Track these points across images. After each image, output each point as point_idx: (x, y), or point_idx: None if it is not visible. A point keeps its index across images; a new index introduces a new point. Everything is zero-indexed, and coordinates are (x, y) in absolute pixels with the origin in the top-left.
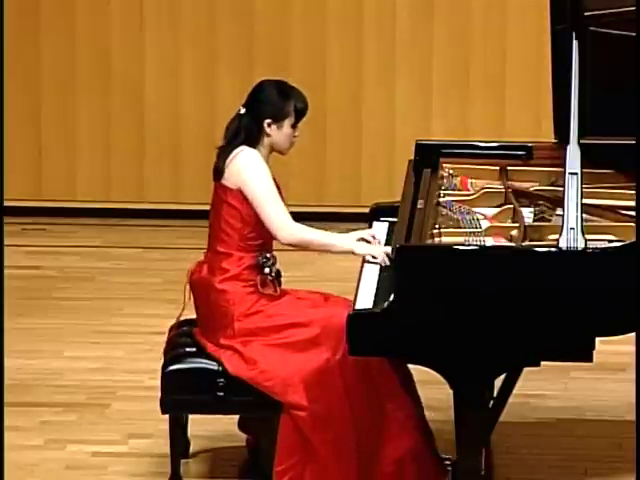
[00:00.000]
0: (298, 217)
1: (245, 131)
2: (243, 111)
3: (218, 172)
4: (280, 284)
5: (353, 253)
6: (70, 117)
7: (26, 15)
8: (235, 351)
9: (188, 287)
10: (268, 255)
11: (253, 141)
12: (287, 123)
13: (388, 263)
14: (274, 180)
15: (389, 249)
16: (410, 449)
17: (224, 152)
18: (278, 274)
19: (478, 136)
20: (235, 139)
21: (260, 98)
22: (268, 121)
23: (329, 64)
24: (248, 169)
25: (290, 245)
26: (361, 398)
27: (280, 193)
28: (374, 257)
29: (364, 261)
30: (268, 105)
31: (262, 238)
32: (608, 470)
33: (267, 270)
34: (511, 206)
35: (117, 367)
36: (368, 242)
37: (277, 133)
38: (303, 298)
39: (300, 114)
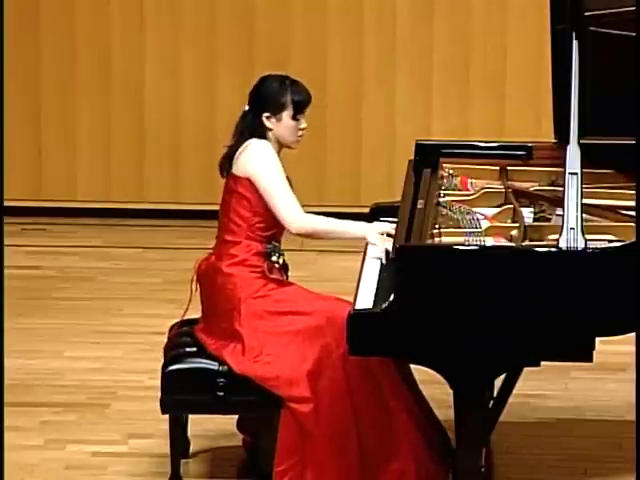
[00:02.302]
0: None
1: (248, 127)
2: (247, 108)
3: (222, 168)
4: (288, 278)
5: (366, 239)
6: (70, 117)
7: (26, 15)
8: (237, 342)
9: (195, 281)
10: (276, 244)
11: (259, 136)
12: (286, 115)
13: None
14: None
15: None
16: (412, 450)
17: (231, 150)
18: (285, 266)
19: (478, 135)
20: (241, 137)
21: (258, 93)
22: (266, 114)
23: (329, 62)
24: (258, 159)
25: (301, 235)
26: (363, 395)
27: (291, 186)
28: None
29: (364, 261)
30: (265, 98)
31: (272, 229)
32: (608, 470)
33: (274, 258)
34: (511, 206)
35: (117, 367)
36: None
37: (277, 126)
38: (310, 291)
39: (298, 105)
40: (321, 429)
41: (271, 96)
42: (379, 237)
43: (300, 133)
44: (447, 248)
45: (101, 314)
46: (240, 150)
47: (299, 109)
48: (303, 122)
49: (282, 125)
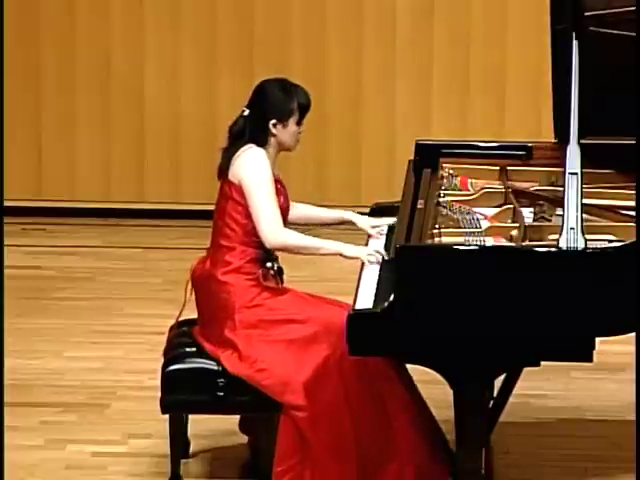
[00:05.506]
0: None
1: (250, 133)
2: (247, 112)
3: (221, 171)
4: (282, 281)
5: (341, 255)
6: (70, 117)
7: (26, 15)
8: (234, 350)
9: (189, 286)
10: (270, 250)
11: (259, 142)
12: (292, 121)
13: (384, 256)
14: (279, 181)
15: (379, 247)
16: (411, 451)
17: (227, 153)
18: (280, 271)
19: (478, 136)
20: (239, 140)
21: (263, 99)
22: (273, 122)
23: (329, 63)
24: (249, 167)
25: (274, 249)
26: (360, 398)
27: (285, 192)
28: (368, 259)
29: (364, 262)
30: (272, 106)
31: None
32: (608, 470)
33: (269, 264)
34: (511, 206)
35: (117, 367)
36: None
37: (283, 132)
38: (305, 297)
39: (304, 110)
40: (319, 435)
41: (278, 103)
42: (356, 250)
43: (299, 137)
44: (447, 248)
45: (101, 314)
46: (237, 155)
47: (304, 113)
48: (303, 126)
49: (288, 131)
